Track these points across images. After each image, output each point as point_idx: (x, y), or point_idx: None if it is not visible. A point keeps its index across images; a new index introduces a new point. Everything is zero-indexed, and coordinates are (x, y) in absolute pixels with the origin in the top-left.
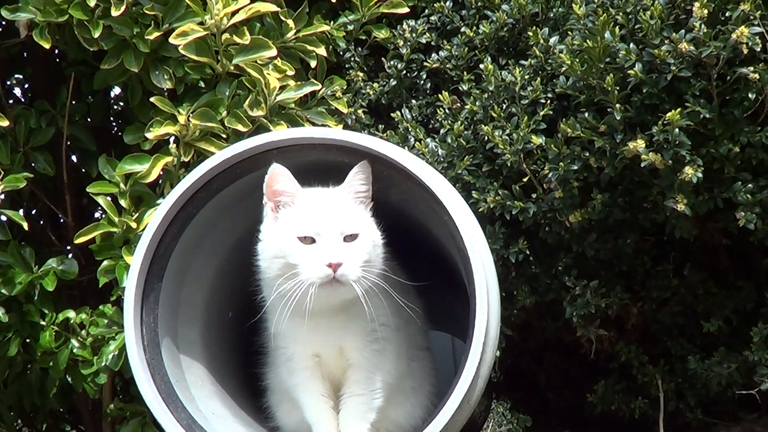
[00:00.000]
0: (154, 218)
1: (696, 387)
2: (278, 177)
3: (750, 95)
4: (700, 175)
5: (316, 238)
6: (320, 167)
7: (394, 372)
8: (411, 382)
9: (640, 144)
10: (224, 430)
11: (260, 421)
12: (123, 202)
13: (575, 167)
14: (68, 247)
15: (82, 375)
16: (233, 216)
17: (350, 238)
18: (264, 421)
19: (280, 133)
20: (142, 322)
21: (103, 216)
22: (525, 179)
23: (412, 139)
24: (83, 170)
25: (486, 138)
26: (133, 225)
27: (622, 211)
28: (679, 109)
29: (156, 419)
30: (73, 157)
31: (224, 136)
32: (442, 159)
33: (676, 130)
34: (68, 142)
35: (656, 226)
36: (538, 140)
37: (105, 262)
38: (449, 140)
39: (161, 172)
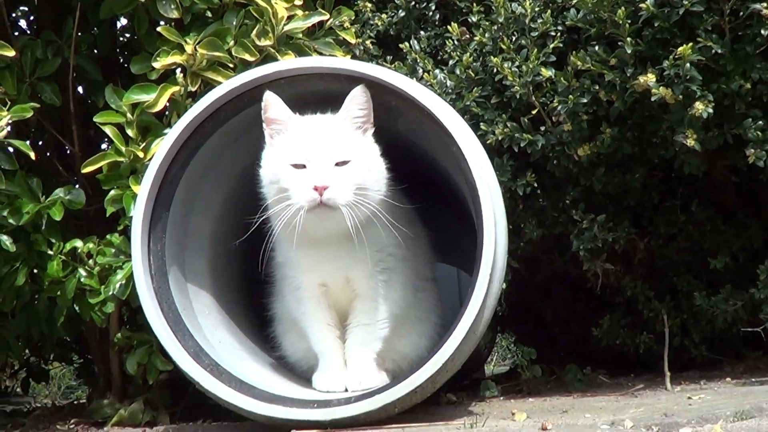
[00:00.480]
0: (161, 147)
1: (701, 323)
2: (271, 105)
3: (762, 31)
4: (710, 110)
5: (307, 164)
6: (328, 97)
7: (400, 302)
8: (417, 312)
9: (650, 78)
10: (231, 358)
11: (266, 350)
12: (130, 132)
13: (584, 100)
14: (75, 178)
15: (90, 304)
16: (240, 146)
17: (342, 163)
18: (270, 350)
19: (288, 62)
20: (149, 250)
21: (110, 146)
22: (534, 112)
23: (421, 71)
24: (90, 101)
25: (495, 70)
26: (140, 154)
27: (631, 145)
28: (690, 44)
29: (163, 347)
30: (80, 88)
31: (231, 65)
32: (450, 90)
33: (687, 64)
34: (74, 73)
35: (665, 162)
36: (547, 73)
37: (112, 192)
38: (458, 72)
39: (168, 102)
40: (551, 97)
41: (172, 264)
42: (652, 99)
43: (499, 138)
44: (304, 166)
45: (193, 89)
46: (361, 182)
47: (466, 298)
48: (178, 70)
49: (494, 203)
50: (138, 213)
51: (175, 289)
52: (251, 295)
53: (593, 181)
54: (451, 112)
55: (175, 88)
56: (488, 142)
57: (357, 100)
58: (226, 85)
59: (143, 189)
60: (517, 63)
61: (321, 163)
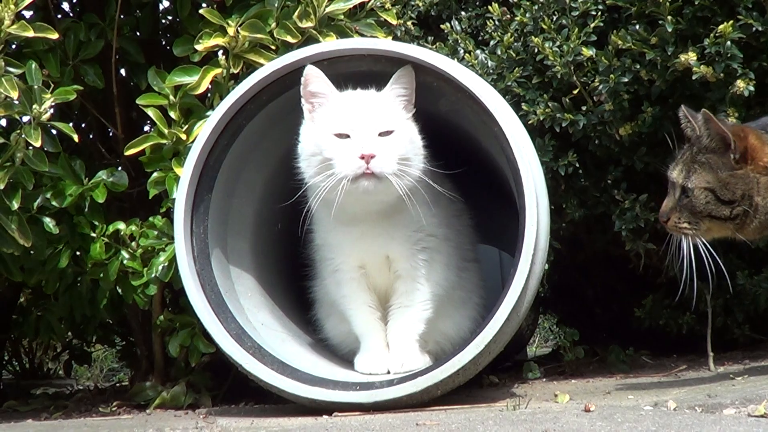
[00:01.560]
0: (204, 129)
1: (744, 303)
2: (312, 78)
3: None
4: (752, 88)
5: (351, 133)
6: (370, 78)
7: (443, 283)
8: (460, 293)
9: (691, 56)
10: (273, 340)
11: (308, 332)
12: (172, 114)
13: (626, 80)
14: (118, 160)
15: (132, 286)
16: (282, 128)
17: (385, 134)
18: (312, 333)
19: (329, 44)
20: (192, 233)
21: (153, 128)
22: (575, 91)
23: (462, 51)
24: (132, 83)
25: (536, 50)
26: (183, 137)
27: (673, 124)
28: (731, 22)
29: (206, 329)
30: (122, 71)
31: (273, 47)
32: (491, 71)
33: (728, 42)
34: (117, 55)
35: None
36: (588, 52)
37: (155, 174)
38: (499, 52)
39: (210, 84)
40: (592, 76)
41: (215, 246)
42: (693, 77)
43: (541, 118)
44: (348, 136)
45: (236, 71)
46: (404, 153)
47: (508, 279)
48: (220, 53)
49: (536, 183)
50: (181, 195)
51: (218, 271)
52: (294, 277)
53: (635, 160)
54: (492, 93)
55: (218, 71)
56: (530, 122)
57: (403, 79)
58: (269, 66)
59: (186, 171)
60: (558, 43)
61: (366, 132)
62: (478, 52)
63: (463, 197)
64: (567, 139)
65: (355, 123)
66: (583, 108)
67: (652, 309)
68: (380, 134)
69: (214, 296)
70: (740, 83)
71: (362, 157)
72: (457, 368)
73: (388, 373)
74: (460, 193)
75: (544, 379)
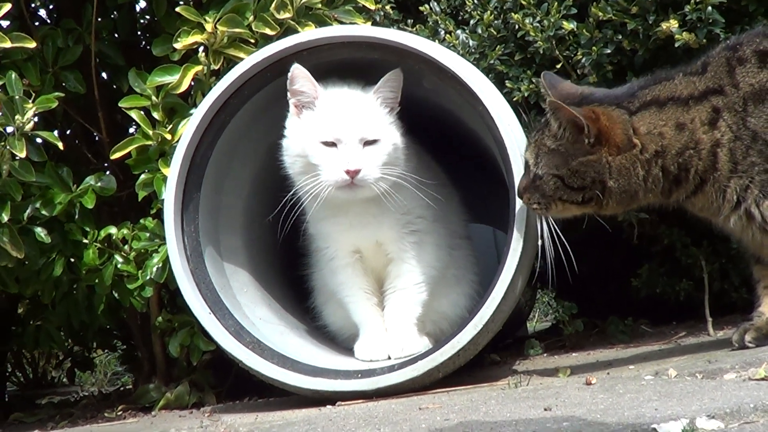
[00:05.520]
0: (188, 128)
1: (740, 266)
2: (298, 78)
3: None
4: None
5: (337, 143)
6: (353, 65)
7: (435, 263)
8: (454, 271)
9: (673, 24)
10: (272, 333)
11: (307, 321)
12: (156, 115)
13: (608, 51)
14: (105, 164)
15: (128, 290)
16: (266, 120)
17: (371, 142)
18: (311, 321)
19: (308, 33)
20: (183, 232)
21: (138, 130)
22: (558, 66)
23: (442, 32)
24: (114, 86)
25: (517, 26)
26: (168, 137)
27: None
28: None
29: (204, 328)
30: (103, 74)
31: (252, 41)
32: (473, 50)
33: (709, 8)
34: (97, 59)
35: None
36: (569, 25)
37: (142, 176)
38: (479, 31)
39: (192, 82)
40: (575, 50)
41: (207, 244)
42: (676, 45)
43: (525, 94)
44: (334, 145)
45: (216, 67)
46: (388, 160)
47: (503, 256)
48: (200, 49)
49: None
50: (169, 196)
51: (212, 269)
52: (291, 268)
53: None
54: (475, 72)
55: (198, 68)
56: (514, 99)
57: (391, 83)
58: (248, 61)
59: (172, 172)
60: (538, 18)
61: (352, 144)
62: (459, 32)
63: (455, 178)
64: None
65: (341, 132)
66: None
67: (649, 278)
68: (366, 143)
69: (210, 294)
70: None
71: (347, 172)
72: (457, 349)
73: (389, 358)
74: (450, 175)
75: (546, 354)
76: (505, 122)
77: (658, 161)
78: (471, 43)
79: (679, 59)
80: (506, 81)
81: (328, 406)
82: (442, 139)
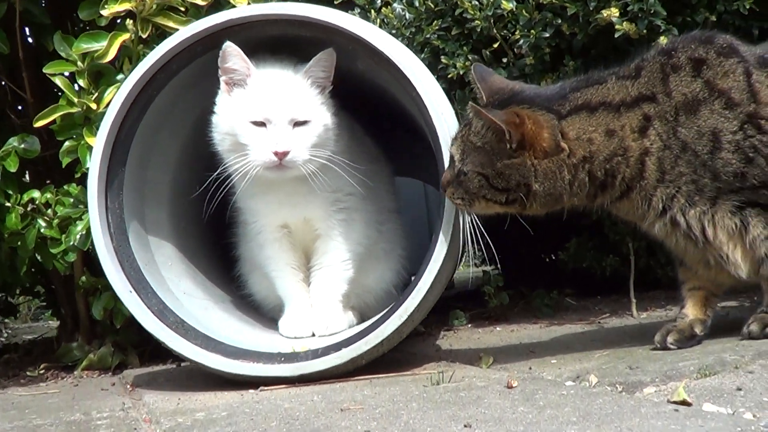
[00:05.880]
0: (113, 105)
1: None
2: (229, 56)
3: None
4: None
5: (267, 123)
6: (286, 41)
7: (363, 241)
8: (383, 245)
9: (614, 12)
10: (196, 308)
11: (233, 291)
12: (81, 82)
13: (547, 35)
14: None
15: (51, 254)
16: (195, 92)
17: (301, 123)
18: (237, 289)
19: (238, 10)
20: (107, 209)
21: (62, 96)
22: (495, 45)
23: (379, 2)
24: (40, 46)
25: (455, 2)
26: (93, 105)
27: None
28: None
29: (127, 307)
30: (29, 35)
31: (183, 9)
32: (409, 23)
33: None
34: (22, 18)
35: None
36: (508, 5)
37: (67, 143)
38: (417, 4)
39: (119, 50)
40: (513, 28)
41: (132, 219)
42: (616, 36)
43: (461, 72)
44: (263, 125)
45: (145, 36)
46: (317, 141)
47: (430, 247)
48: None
49: None
50: (93, 173)
51: (136, 245)
52: (218, 237)
53: None
54: (408, 56)
55: (126, 36)
56: (449, 75)
57: (322, 63)
58: (177, 36)
59: (96, 150)
60: None
61: (281, 125)
62: (396, 4)
63: (389, 138)
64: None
65: (271, 112)
66: (504, 60)
67: (577, 252)
68: (295, 124)
69: (134, 272)
70: (663, 40)
71: (276, 153)
72: (381, 339)
73: (313, 335)
74: (384, 136)
75: (470, 325)
76: (438, 111)
77: (585, 166)
78: (408, 15)
79: (618, 45)
80: (442, 57)
81: (250, 391)
82: (380, 106)
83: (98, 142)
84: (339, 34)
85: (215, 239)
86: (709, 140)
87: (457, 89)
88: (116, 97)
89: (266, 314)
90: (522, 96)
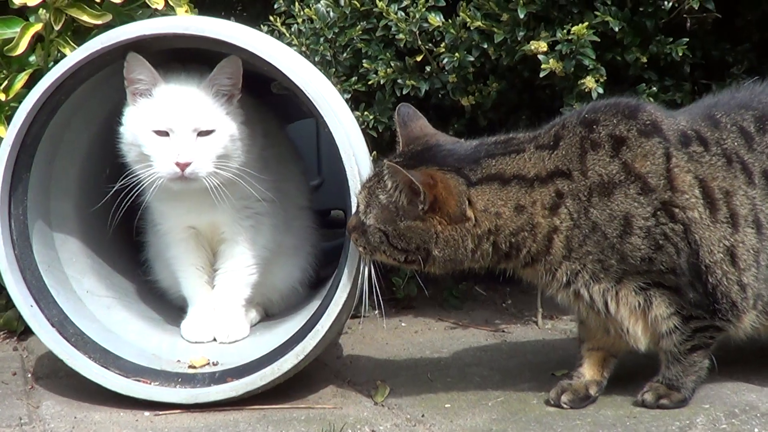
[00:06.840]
0: (18, 115)
1: None
2: (134, 67)
3: (666, 3)
4: (601, 90)
5: (170, 132)
6: (202, 51)
7: (270, 245)
8: (292, 241)
9: (541, 46)
10: (98, 309)
11: (139, 276)
12: None
13: (472, 58)
14: None
15: None
16: (107, 88)
17: (205, 133)
18: (144, 274)
19: (151, 23)
20: (10, 215)
21: None
22: (419, 57)
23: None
24: None
25: (380, 12)
26: (2, 96)
27: (518, 94)
28: (586, 23)
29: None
30: None
31: (98, 1)
32: (332, 23)
33: (582, 40)
34: None
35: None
36: (435, 21)
37: None
38: (342, 3)
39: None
40: (440, 39)
41: (36, 218)
42: (541, 74)
43: (382, 81)
44: (167, 134)
45: (57, 27)
46: (224, 152)
47: (330, 289)
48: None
49: (361, 170)
50: None
51: (39, 246)
52: (128, 219)
53: (478, 115)
54: (313, 80)
55: (38, 27)
56: (370, 82)
57: (226, 70)
58: (85, 48)
59: (0, 158)
60: (403, 4)
61: (184, 135)
62: (319, 5)
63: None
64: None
65: (173, 121)
66: (427, 69)
67: None
68: (200, 134)
69: (35, 281)
70: (590, 81)
71: (177, 164)
72: (277, 375)
73: (214, 340)
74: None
75: (377, 314)
76: (348, 153)
77: (490, 238)
78: (331, 14)
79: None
80: (364, 60)
81: (146, 414)
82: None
83: (2, 150)
84: (240, 51)
85: (125, 222)
86: (620, 224)
87: (377, 92)
88: (21, 108)
89: (172, 302)
90: (434, 152)
